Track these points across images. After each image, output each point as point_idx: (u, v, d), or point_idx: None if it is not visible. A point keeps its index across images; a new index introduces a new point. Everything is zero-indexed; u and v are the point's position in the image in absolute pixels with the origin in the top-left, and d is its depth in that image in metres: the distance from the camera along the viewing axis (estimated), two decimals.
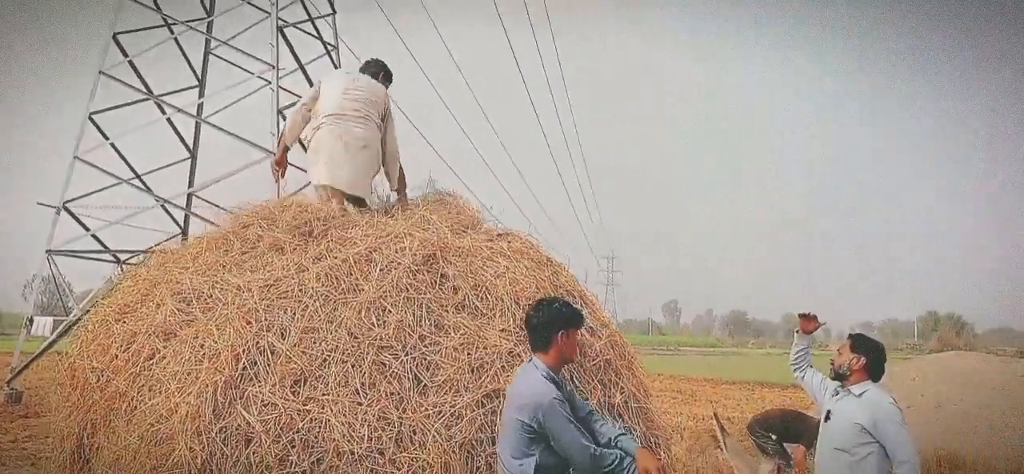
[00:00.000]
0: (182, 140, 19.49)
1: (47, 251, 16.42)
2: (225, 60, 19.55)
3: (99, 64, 17.43)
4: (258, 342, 3.76)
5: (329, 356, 3.76)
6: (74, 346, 4.41)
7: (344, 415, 3.54)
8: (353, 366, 3.73)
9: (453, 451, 3.59)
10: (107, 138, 17.53)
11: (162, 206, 17.52)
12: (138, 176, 18.08)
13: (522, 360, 3.82)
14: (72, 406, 4.12)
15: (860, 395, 4.36)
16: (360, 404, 3.61)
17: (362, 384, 3.68)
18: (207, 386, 3.55)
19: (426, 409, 3.68)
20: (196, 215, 18.00)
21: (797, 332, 5.18)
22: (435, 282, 4.27)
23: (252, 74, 18.15)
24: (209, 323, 3.92)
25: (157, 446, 3.53)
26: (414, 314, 4.01)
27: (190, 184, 19.31)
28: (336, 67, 20.74)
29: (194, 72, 19.69)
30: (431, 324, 4.03)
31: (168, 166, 19.45)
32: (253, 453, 3.43)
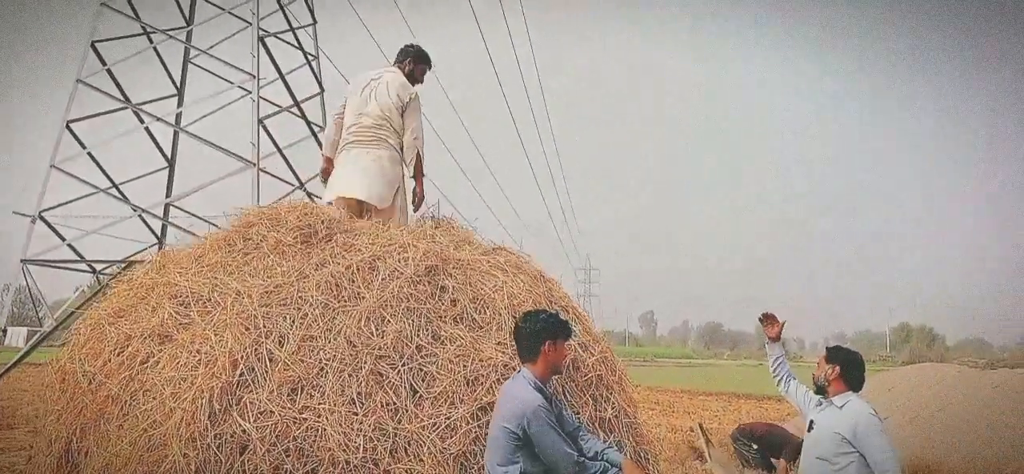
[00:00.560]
0: (160, 149, 19.33)
1: (22, 260, 16.20)
2: (205, 69, 19.45)
3: (77, 72, 17.28)
4: (256, 349, 3.75)
5: (327, 365, 3.76)
6: (65, 349, 4.37)
7: (340, 424, 3.54)
8: (350, 375, 3.73)
9: (447, 463, 3.60)
10: (84, 147, 17.35)
11: (139, 216, 17.37)
12: (115, 185, 17.90)
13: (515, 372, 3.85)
14: (61, 410, 4.07)
15: (842, 406, 4.44)
16: (356, 414, 3.62)
17: (359, 394, 3.69)
18: (203, 392, 3.54)
19: (421, 420, 3.69)
20: (173, 225, 17.87)
21: (767, 342, 5.26)
22: (435, 293, 4.29)
23: (232, 84, 18.08)
24: (207, 328, 3.90)
25: (150, 452, 3.51)
26: (413, 324, 4.03)
27: (168, 194, 19.15)
28: (317, 78, 20.73)
29: (173, 81, 19.57)
30: (429, 335, 4.05)
31: (146, 175, 19.28)
32: (248, 461, 3.42)
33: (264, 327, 3.88)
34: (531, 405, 3.37)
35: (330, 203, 5.37)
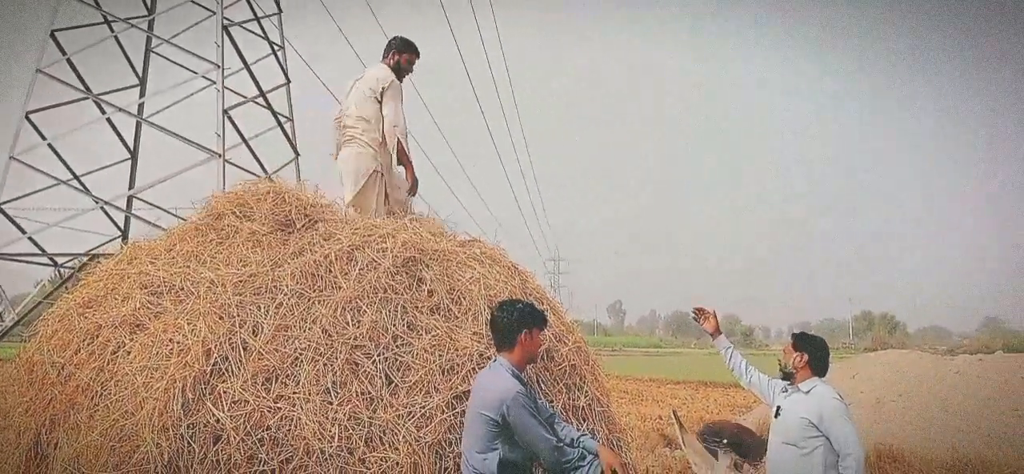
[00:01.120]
0: (122, 140, 19.05)
1: None
2: (168, 59, 19.19)
3: (36, 62, 16.96)
4: (230, 338, 3.73)
5: (302, 354, 3.74)
6: (33, 341, 4.30)
7: (315, 414, 3.54)
8: (325, 364, 3.72)
9: (422, 451, 3.61)
10: (44, 138, 17.06)
11: (102, 208, 17.13)
12: (77, 177, 17.61)
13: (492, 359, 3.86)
14: (29, 402, 4.01)
15: (808, 392, 4.51)
16: (331, 403, 3.61)
17: (334, 383, 3.68)
18: (176, 381, 3.51)
19: (397, 409, 3.69)
20: (137, 217, 17.65)
21: (712, 338, 5.32)
22: (412, 285, 4.28)
23: (196, 74, 17.87)
24: (179, 317, 3.86)
25: (121, 442, 3.47)
26: (389, 314, 4.02)
27: (131, 185, 18.88)
28: (282, 68, 20.55)
29: (135, 71, 19.28)
30: (405, 325, 4.05)
31: (108, 167, 18.99)
32: (221, 450, 3.41)
33: (238, 316, 3.85)
34: (510, 392, 3.39)
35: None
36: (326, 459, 3.47)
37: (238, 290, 3.99)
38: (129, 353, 3.81)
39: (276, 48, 20.56)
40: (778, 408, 4.68)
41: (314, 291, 4.07)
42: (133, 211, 18.01)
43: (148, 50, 19.47)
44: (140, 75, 19.34)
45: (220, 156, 16.55)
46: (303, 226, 4.61)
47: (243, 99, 19.03)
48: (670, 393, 23.02)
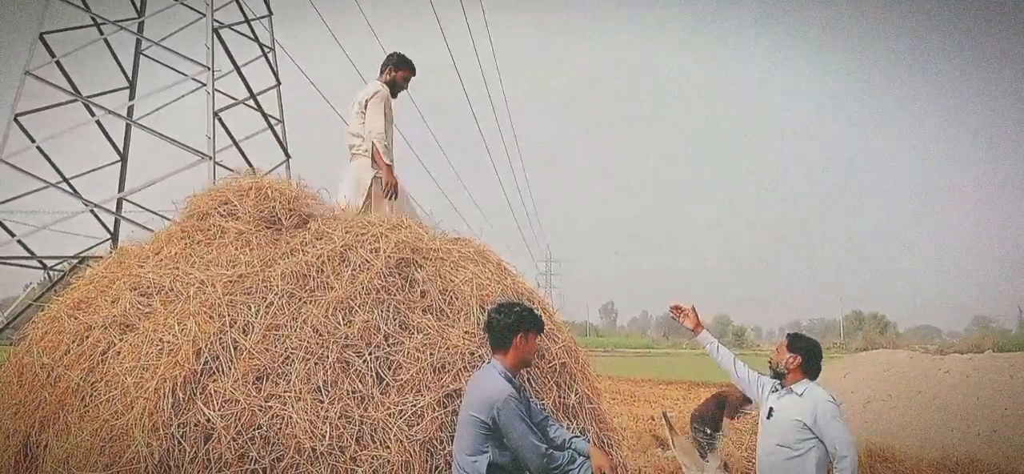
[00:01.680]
0: (112, 143, 18.97)
1: None
2: (157, 61, 19.12)
3: (25, 64, 16.87)
4: (221, 337, 3.72)
5: (293, 353, 3.75)
6: (23, 343, 4.28)
7: (306, 412, 3.54)
8: (316, 363, 3.73)
9: (413, 449, 3.62)
10: (33, 141, 16.97)
11: (91, 211, 17.06)
12: (66, 180, 17.53)
13: (484, 361, 3.88)
14: (19, 404, 3.99)
15: (801, 393, 4.52)
16: (322, 402, 3.61)
17: (325, 382, 3.68)
18: (166, 380, 3.50)
19: (388, 407, 3.70)
20: (127, 220, 17.59)
21: (695, 335, 5.27)
22: (405, 286, 4.29)
23: (186, 76, 17.82)
24: (169, 317, 3.86)
25: (112, 442, 3.46)
26: (381, 315, 4.02)
27: (120, 188, 18.80)
28: (273, 70, 20.52)
29: (125, 73, 19.20)
30: (396, 324, 4.05)
31: (97, 169, 18.91)
32: (212, 449, 3.41)
33: (228, 316, 3.84)
34: (501, 395, 3.39)
35: None
36: (317, 457, 3.47)
37: (228, 290, 3.99)
38: (119, 354, 3.80)
39: (266, 50, 20.53)
40: (771, 409, 4.68)
41: (305, 291, 4.07)
42: (123, 214, 17.94)
43: (138, 52, 19.41)
44: (130, 77, 19.27)
45: (210, 158, 16.51)
46: (293, 223, 4.60)
47: (233, 101, 18.99)
48: (662, 394, 23.03)
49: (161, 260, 4.41)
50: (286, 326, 3.86)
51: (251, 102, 19.59)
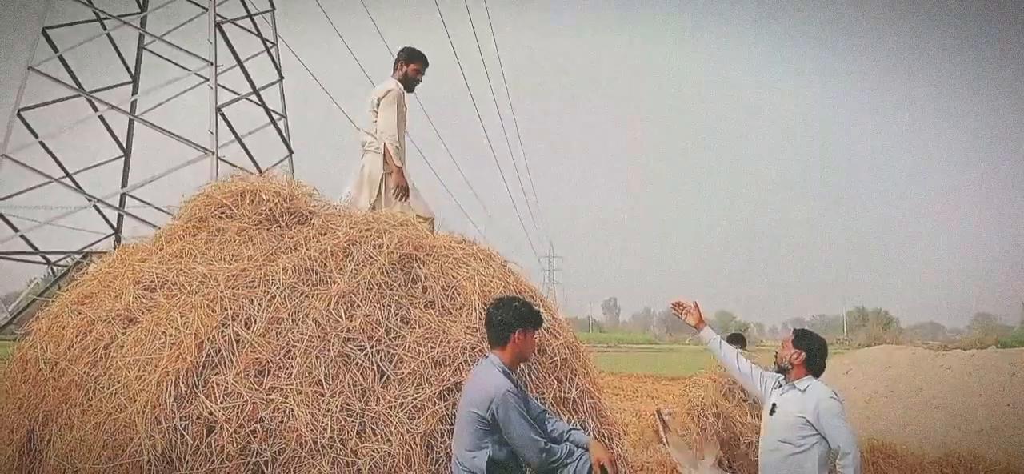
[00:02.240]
0: (115, 138, 19.01)
1: None
2: (160, 56, 19.15)
3: (28, 59, 16.91)
4: (223, 331, 3.74)
5: (294, 346, 3.76)
6: (26, 338, 4.30)
7: (307, 405, 3.56)
8: (318, 357, 3.75)
9: (414, 442, 3.64)
10: (37, 136, 17.02)
11: (94, 206, 17.10)
12: (69, 175, 17.58)
13: (484, 356, 3.88)
14: (22, 398, 4.01)
15: (804, 389, 4.53)
16: (323, 395, 3.63)
17: (326, 375, 3.70)
18: (168, 374, 3.52)
19: (389, 401, 3.72)
20: (130, 215, 17.62)
21: (697, 333, 5.26)
22: (407, 281, 4.31)
23: (189, 71, 17.84)
24: (172, 310, 3.87)
25: (115, 435, 3.48)
26: (383, 309, 4.04)
27: (123, 183, 18.85)
28: (276, 65, 20.53)
29: (127, 68, 19.23)
30: (398, 319, 4.07)
31: (101, 164, 18.95)
32: (214, 442, 3.42)
33: (231, 309, 3.86)
34: (500, 390, 3.40)
35: None
36: (319, 450, 3.49)
37: (230, 284, 4.00)
38: (122, 347, 3.81)
39: (269, 45, 20.54)
40: (773, 405, 4.69)
41: (308, 285, 4.09)
42: (126, 209, 17.97)
43: (141, 47, 19.43)
44: (133, 72, 19.30)
45: (213, 153, 16.54)
46: (295, 220, 4.62)
47: (236, 96, 19.02)
48: (665, 389, 23.04)
49: (164, 255, 4.42)
50: (288, 319, 3.87)
51: (254, 97, 19.62)
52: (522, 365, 4.03)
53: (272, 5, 20.89)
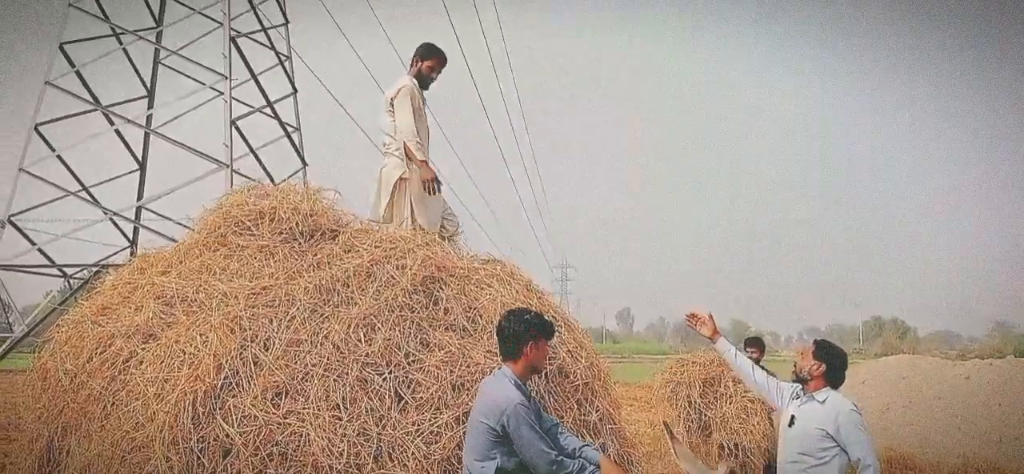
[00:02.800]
0: (131, 152, 19.15)
1: None
2: (175, 70, 19.28)
3: (45, 74, 17.06)
4: (242, 352, 3.73)
5: (312, 370, 3.74)
6: (46, 347, 4.32)
7: (324, 430, 3.53)
8: (336, 381, 3.72)
9: (431, 469, 3.61)
10: (54, 150, 17.16)
11: (111, 219, 17.20)
12: (86, 188, 17.70)
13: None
14: (42, 408, 4.04)
15: (823, 401, 4.49)
16: (340, 419, 3.60)
17: (343, 399, 3.67)
18: (187, 394, 3.51)
19: (406, 427, 3.69)
20: (146, 228, 17.72)
21: (712, 343, 5.19)
22: (429, 304, 4.28)
23: (204, 85, 17.96)
24: (191, 329, 3.87)
25: (132, 453, 3.49)
26: (403, 332, 4.02)
27: (139, 197, 18.98)
28: (289, 78, 20.64)
29: (143, 82, 19.37)
30: (418, 342, 4.04)
31: (117, 178, 19.09)
32: (231, 465, 3.41)
33: (250, 329, 3.85)
34: (511, 402, 3.39)
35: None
36: None
37: (251, 303, 4.00)
38: (141, 363, 3.82)
39: (283, 58, 20.64)
40: (792, 417, 4.65)
41: (329, 306, 4.07)
42: (142, 222, 18.08)
43: (156, 62, 19.57)
44: (148, 86, 19.44)
45: (228, 166, 16.62)
46: (318, 236, 4.61)
47: (250, 109, 19.10)
48: None
49: (183, 269, 4.42)
50: (307, 342, 3.86)
51: (268, 110, 19.71)
52: (543, 393, 4.03)
53: (286, 19, 20.99)
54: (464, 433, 3.72)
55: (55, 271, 17.35)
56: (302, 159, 20.59)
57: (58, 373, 4.05)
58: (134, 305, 4.23)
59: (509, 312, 3.75)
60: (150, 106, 19.14)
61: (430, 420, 3.74)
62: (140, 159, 19.29)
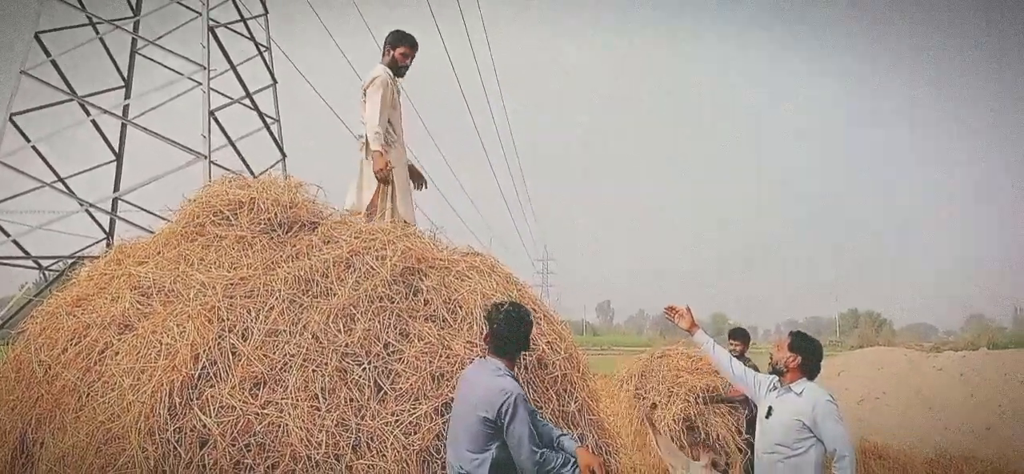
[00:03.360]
0: (107, 142, 18.95)
1: None
2: (153, 60, 19.10)
3: (20, 63, 16.84)
4: (220, 342, 3.70)
5: (291, 360, 3.72)
6: (20, 339, 4.27)
7: (303, 420, 3.52)
8: (314, 371, 3.71)
9: (410, 459, 3.61)
10: (29, 140, 16.96)
11: (87, 210, 17.05)
12: (61, 179, 17.52)
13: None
14: (16, 400, 3.99)
15: (800, 393, 4.53)
16: (319, 410, 3.59)
17: (322, 389, 3.66)
18: (163, 384, 3.49)
19: (385, 417, 3.69)
20: (122, 219, 17.57)
21: (690, 337, 5.24)
22: (409, 293, 4.26)
23: (182, 75, 17.81)
24: (169, 319, 3.83)
25: (107, 444, 3.46)
26: (382, 323, 4.00)
27: (116, 188, 18.80)
28: (269, 69, 20.51)
29: (120, 72, 19.17)
30: (397, 332, 4.03)
31: (93, 169, 18.89)
32: (208, 456, 3.39)
33: (228, 319, 3.82)
34: (511, 394, 3.39)
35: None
36: (313, 466, 3.46)
37: (229, 293, 3.97)
38: (117, 354, 3.79)
39: (262, 49, 20.51)
40: (769, 408, 4.70)
41: (308, 297, 4.05)
42: (118, 213, 17.92)
43: (133, 51, 19.38)
44: (125, 77, 19.25)
45: (206, 158, 16.50)
46: (297, 228, 4.57)
47: (229, 100, 18.98)
48: None
49: (161, 260, 4.38)
50: (286, 332, 3.83)
51: (247, 101, 19.57)
52: (523, 383, 4.04)
53: (265, 9, 20.86)
54: (445, 424, 3.72)
55: (30, 263, 17.16)
56: (281, 150, 20.47)
57: (32, 365, 4.00)
58: (110, 296, 4.19)
59: (508, 316, 3.69)
60: (127, 96, 18.97)
61: (409, 411, 3.74)
62: (117, 150, 19.11)
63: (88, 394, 3.72)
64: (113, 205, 18.08)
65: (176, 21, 18.75)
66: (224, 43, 18.98)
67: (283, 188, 4.79)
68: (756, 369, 5.96)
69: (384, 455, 3.57)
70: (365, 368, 3.81)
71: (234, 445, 3.43)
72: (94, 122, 18.17)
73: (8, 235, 16.40)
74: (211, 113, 17.27)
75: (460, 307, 4.29)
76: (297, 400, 3.59)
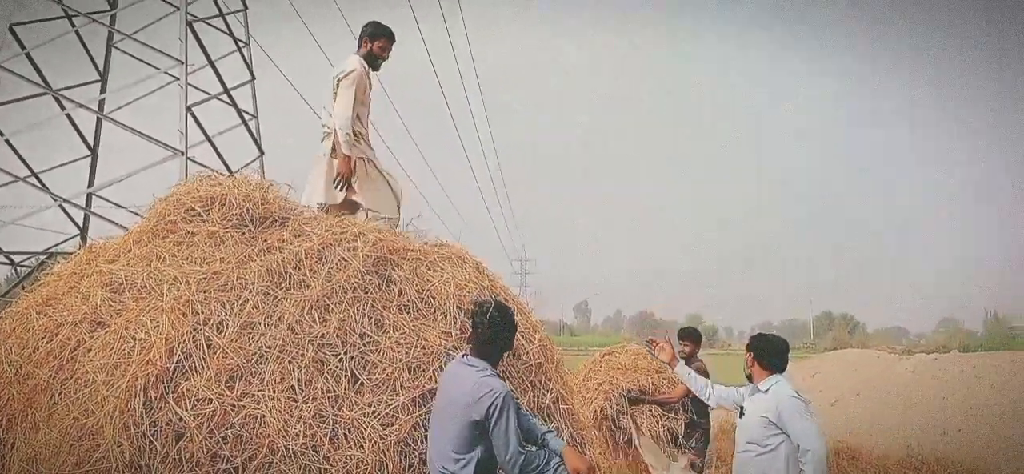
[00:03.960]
0: (82, 137, 18.69)
1: None
2: (130, 55, 18.85)
3: None
4: (194, 335, 3.69)
5: (267, 352, 3.72)
6: None
7: (280, 412, 3.52)
8: (291, 362, 3.70)
9: (388, 449, 3.61)
10: (2, 134, 16.69)
11: (60, 206, 16.81)
12: (35, 174, 17.23)
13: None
14: None
15: (767, 390, 4.64)
16: (296, 401, 3.59)
17: (299, 381, 3.66)
18: (138, 379, 3.47)
19: (362, 407, 3.69)
20: (96, 215, 17.35)
21: (673, 369, 5.49)
22: (382, 284, 4.27)
23: (159, 70, 17.61)
24: (141, 314, 3.81)
25: (81, 440, 3.43)
26: (357, 314, 4.00)
27: (90, 183, 18.51)
28: (247, 65, 20.36)
29: (96, 66, 18.92)
30: (372, 323, 4.03)
31: (67, 164, 18.64)
32: (184, 448, 3.38)
33: (202, 313, 3.81)
34: (498, 393, 3.38)
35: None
36: (291, 457, 3.45)
37: (202, 287, 3.95)
38: (89, 351, 3.76)
39: (241, 45, 20.31)
40: (741, 409, 4.80)
41: (281, 289, 4.04)
42: (92, 209, 17.71)
43: (110, 45, 19.10)
44: (101, 71, 18.99)
45: (183, 154, 16.34)
46: (269, 223, 4.56)
47: (207, 96, 18.80)
48: None
49: (132, 257, 4.35)
50: (261, 324, 3.82)
51: (225, 97, 19.41)
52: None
53: (244, 5, 20.66)
54: (422, 416, 3.72)
55: (2, 259, 16.91)
56: (259, 147, 20.31)
57: (2, 365, 3.95)
58: (81, 294, 4.15)
59: (493, 319, 3.63)
60: (103, 91, 18.69)
61: (387, 401, 3.75)
62: (91, 145, 18.86)
63: (61, 392, 3.69)
64: (87, 200, 17.81)
65: (153, 15, 18.53)
66: (202, 38, 18.80)
67: (255, 185, 4.77)
68: (706, 371, 6.33)
69: (362, 446, 3.57)
70: (342, 359, 3.82)
71: (211, 437, 3.42)
72: (69, 116, 17.91)
73: None
74: (188, 109, 17.07)
75: (433, 297, 4.31)
76: (274, 391, 3.59)
